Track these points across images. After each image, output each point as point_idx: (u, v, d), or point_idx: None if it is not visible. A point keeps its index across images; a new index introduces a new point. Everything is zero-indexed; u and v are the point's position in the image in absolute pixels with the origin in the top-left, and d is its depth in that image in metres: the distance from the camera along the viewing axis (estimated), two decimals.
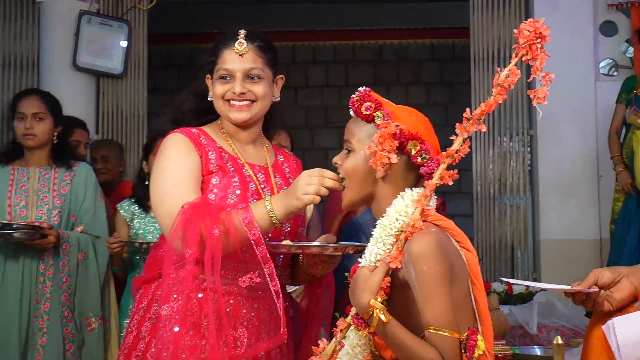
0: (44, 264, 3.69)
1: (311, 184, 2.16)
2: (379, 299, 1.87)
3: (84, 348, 3.74)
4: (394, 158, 1.98)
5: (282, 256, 2.44)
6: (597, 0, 5.78)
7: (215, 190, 2.34)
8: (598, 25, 5.79)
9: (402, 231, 1.91)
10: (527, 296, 4.95)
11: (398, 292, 1.92)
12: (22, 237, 3.58)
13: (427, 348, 1.85)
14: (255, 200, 2.32)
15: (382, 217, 1.99)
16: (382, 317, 1.85)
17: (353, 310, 2.03)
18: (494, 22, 5.86)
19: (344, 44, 7.95)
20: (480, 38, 5.87)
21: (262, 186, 2.42)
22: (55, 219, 3.73)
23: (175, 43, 7.29)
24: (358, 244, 2.25)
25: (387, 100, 2.10)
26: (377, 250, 1.95)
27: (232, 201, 2.32)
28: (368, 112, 2.04)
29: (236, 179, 2.36)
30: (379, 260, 1.93)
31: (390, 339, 1.89)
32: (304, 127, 8.27)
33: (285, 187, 2.43)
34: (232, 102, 2.43)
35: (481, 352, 1.87)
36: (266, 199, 2.25)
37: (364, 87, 2.08)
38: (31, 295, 3.66)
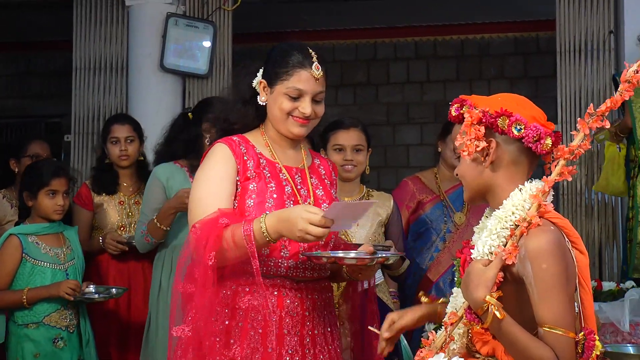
0: None
1: (301, 229, 2.24)
2: (494, 295, 1.88)
3: None
4: (482, 143, 1.99)
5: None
6: None
7: (253, 196, 2.46)
8: None
9: (517, 225, 1.91)
10: (617, 293, 4.86)
11: (508, 287, 1.92)
12: None
13: (542, 347, 1.85)
14: (292, 203, 2.46)
15: (498, 209, 1.99)
16: (497, 313, 1.85)
17: (455, 305, 2.02)
18: (581, 14, 5.71)
19: (425, 39, 7.85)
20: (566, 30, 5.74)
21: (299, 187, 2.53)
22: None
23: (259, 42, 7.36)
24: (390, 253, 2.41)
25: (480, 96, 2.11)
26: (490, 242, 1.95)
27: (269, 205, 2.44)
28: (457, 113, 2.09)
29: (272, 184, 2.48)
30: (491, 253, 1.94)
31: (504, 336, 1.89)
32: (386, 124, 8.25)
33: (320, 188, 2.56)
34: (295, 117, 2.52)
35: (598, 353, 1.86)
36: (261, 218, 2.32)
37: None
38: None
